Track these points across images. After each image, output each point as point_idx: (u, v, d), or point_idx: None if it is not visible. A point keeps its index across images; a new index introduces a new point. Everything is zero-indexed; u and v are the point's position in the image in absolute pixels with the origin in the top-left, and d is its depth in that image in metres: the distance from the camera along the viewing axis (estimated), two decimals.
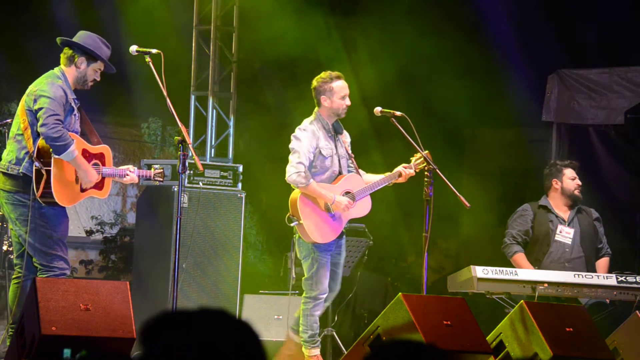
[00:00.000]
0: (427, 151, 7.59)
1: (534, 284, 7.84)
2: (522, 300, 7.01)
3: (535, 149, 11.50)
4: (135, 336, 6.10)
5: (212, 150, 11.04)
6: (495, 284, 7.77)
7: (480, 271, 7.70)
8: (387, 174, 7.69)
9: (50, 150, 6.75)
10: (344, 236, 7.78)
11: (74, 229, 12.63)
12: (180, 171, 6.72)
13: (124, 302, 6.22)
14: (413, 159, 7.63)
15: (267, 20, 11.21)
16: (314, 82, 7.60)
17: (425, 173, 7.34)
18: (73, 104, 6.93)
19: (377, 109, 7.63)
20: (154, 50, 6.86)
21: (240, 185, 9.49)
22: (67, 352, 5.32)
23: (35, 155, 6.77)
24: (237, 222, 9.32)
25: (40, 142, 6.76)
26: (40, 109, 6.73)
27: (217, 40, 10.98)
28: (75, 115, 6.96)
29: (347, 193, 7.57)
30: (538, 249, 8.67)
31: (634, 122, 10.15)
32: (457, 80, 11.38)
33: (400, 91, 10.92)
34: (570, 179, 8.76)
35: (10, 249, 8.90)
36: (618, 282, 8.05)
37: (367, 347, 6.62)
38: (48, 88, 6.81)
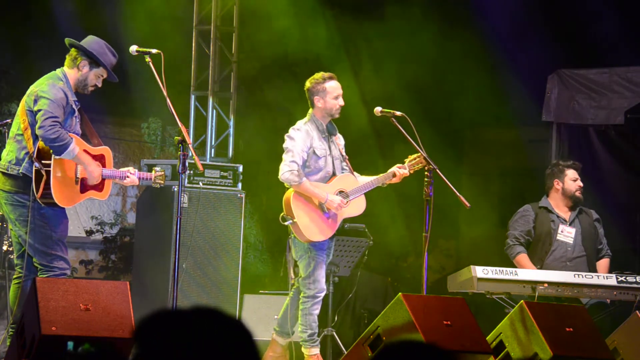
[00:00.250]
0: (419, 154, 7.65)
1: (534, 284, 7.84)
2: (522, 300, 7.01)
3: (535, 149, 11.49)
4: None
5: (212, 150, 11.04)
6: (495, 284, 7.78)
7: (480, 271, 7.70)
8: (382, 174, 7.72)
9: (51, 150, 6.75)
10: (334, 239, 7.83)
11: (74, 229, 12.63)
12: (180, 171, 6.72)
13: (124, 302, 6.22)
14: (407, 160, 7.69)
15: (267, 20, 11.21)
16: (307, 84, 7.67)
17: (426, 173, 7.34)
18: (74, 106, 6.94)
19: (377, 109, 7.64)
20: (154, 50, 6.86)
21: (240, 185, 9.49)
22: (70, 344, 5.33)
23: (35, 155, 6.77)
24: (237, 222, 9.32)
25: (41, 142, 6.77)
26: (39, 110, 6.74)
27: (217, 40, 10.99)
28: (76, 117, 6.96)
29: (340, 192, 7.62)
30: (540, 248, 8.68)
31: (634, 122, 10.15)
32: (457, 80, 11.38)
33: (400, 91, 10.92)
34: (572, 180, 8.76)
35: (10, 249, 8.90)
36: (618, 282, 8.05)
37: (367, 347, 6.62)
38: (49, 89, 6.81)
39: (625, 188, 10.37)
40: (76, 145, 6.78)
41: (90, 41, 7.05)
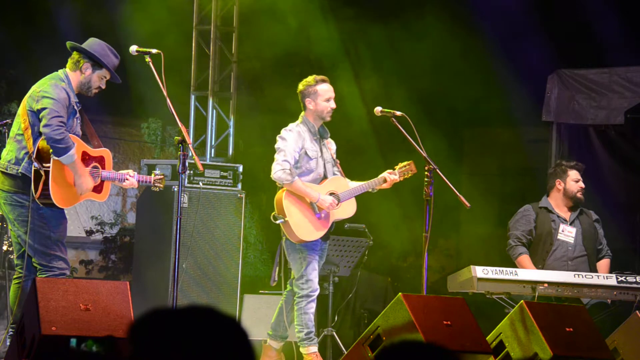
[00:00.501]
0: (411, 161, 7.74)
1: (534, 284, 7.84)
2: (522, 300, 7.01)
3: (535, 149, 11.49)
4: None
5: (212, 150, 11.05)
6: (495, 284, 7.78)
7: (480, 271, 7.71)
8: (373, 179, 7.78)
9: (50, 151, 6.75)
10: (328, 241, 7.85)
11: (74, 229, 12.63)
12: (180, 171, 6.72)
13: (124, 302, 6.21)
14: (398, 167, 7.77)
15: (267, 20, 11.21)
16: (300, 86, 7.72)
17: (426, 173, 7.35)
18: (75, 107, 6.94)
19: (377, 109, 7.64)
20: (154, 51, 6.86)
21: (240, 185, 9.49)
22: (73, 341, 5.33)
23: (34, 155, 6.77)
24: (237, 222, 9.33)
25: (41, 142, 6.76)
26: (43, 109, 6.73)
27: (217, 40, 10.99)
28: (77, 118, 6.96)
29: (331, 194, 7.67)
30: (541, 248, 8.68)
31: (634, 122, 10.15)
32: (457, 80, 11.38)
33: (400, 91, 10.92)
34: (574, 180, 8.76)
35: (10, 249, 8.91)
36: (618, 282, 8.05)
37: (367, 347, 6.62)
38: (51, 89, 6.81)
39: (625, 188, 10.37)
40: (75, 153, 6.78)
41: (92, 43, 7.05)
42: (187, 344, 2.43)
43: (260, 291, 9.69)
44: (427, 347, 2.63)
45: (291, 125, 7.68)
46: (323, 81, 7.71)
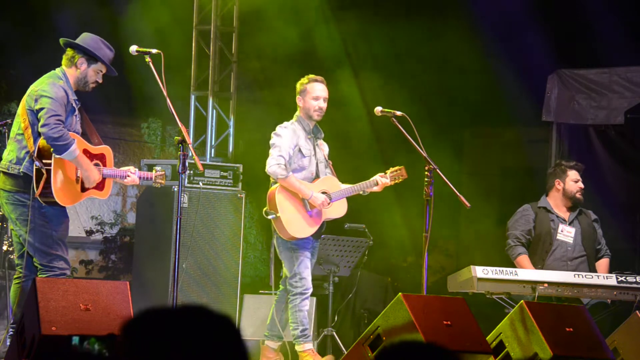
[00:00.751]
0: (402, 166, 7.79)
1: (534, 284, 7.84)
2: (522, 300, 7.01)
3: (535, 149, 11.49)
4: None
5: (212, 150, 11.05)
6: (495, 284, 7.78)
7: (480, 271, 7.71)
8: (365, 181, 7.82)
9: (51, 149, 6.75)
10: (319, 240, 7.88)
11: (74, 229, 12.62)
12: (180, 171, 6.72)
13: (124, 302, 6.21)
14: (389, 171, 7.82)
15: (267, 20, 11.21)
16: (296, 86, 7.76)
17: (426, 173, 7.35)
18: (74, 105, 6.94)
19: (378, 109, 7.65)
20: (154, 50, 6.86)
21: (240, 185, 9.49)
22: (75, 339, 5.33)
23: (35, 154, 6.77)
24: (237, 222, 9.32)
25: (41, 141, 6.76)
26: (41, 109, 6.74)
27: (217, 40, 10.99)
28: (76, 116, 6.96)
29: (323, 193, 7.70)
30: (541, 248, 8.68)
31: (634, 122, 10.15)
32: (457, 79, 11.37)
33: (400, 91, 10.92)
34: (573, 181, 8.75)
35: (11, 249, 8.90)
36: (618, 282, 8.05)
37: (367, 347, 6.62)
38: (49, 88, 6.81)
39: (625, 188, 10.37)
40: (77, 148, 6.78)
41: (85, 38, 7.05)
42: (180, 343, 2.43)
43: (260, 291, 9.69)
44: (427, 347, 2.63)
45: (286, 123, 7.76)
46: (315, 81, 7.78)
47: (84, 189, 6.96)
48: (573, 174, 8.76)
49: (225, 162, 10.29)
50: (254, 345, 8.77)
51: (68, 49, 7.04)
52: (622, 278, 8.07)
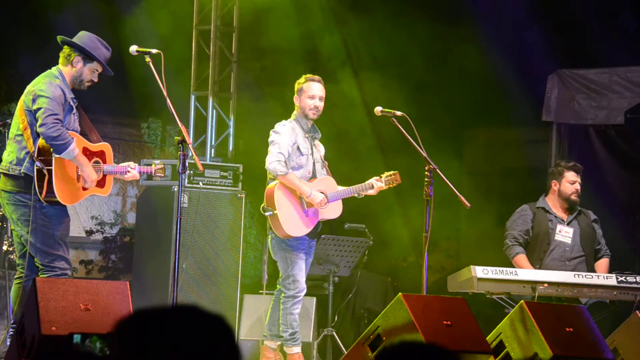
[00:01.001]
0: (397, 171, 7.80)
1: (534, 284, 7.84)
2: (522, 300, 7.01)
3: (535, 149, 11.49)
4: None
5: (212, 150, 11.05)
6: (495, 284, 7.78)
7: (480, 271, 7.70)
8: (360, 184, 7.83)
9: (51, 149, 6.75)
10: (316, 239, 7.89)
11: (74, 229, 12.62)
12: (180, 171, 6.72)
13: (124, 302, 6.21)
14: (384, 175, 7.84)
15: (267, 20, 11.21)
16: (294, 85, 7.79)
17: (426, 173, 7.35)
18: (72, 103, 6.93)
19: (378, 109, 7.65)
20: (154, 50, 6.85)
21: (240, 185, 9.49)
22: (77, 337, 5.33)
23: (36, 154, 6.77)
24: (237, 222, 9.32)
25: (41, 141, 6.76)
26: (39, 109, 6.74)
27: (217, 40, 10.99)
28: (74, 114, 6.96)
29: (320, 193, 7.72)
30: (539, 248, 8.68)
31: (634, 122, 10.14)
32: (457, 79, 11.38)
33: (400, 91, 10.92)
34: (569, 182, 8.74)
35: (11, 249, 8.90)
36: (618, 282, 8.05)
37: (367, 347, 6.62)
38: (46, 87, 6.81)
39: (625, 188, 10.37)
40: (76, 147, 6.78)
41: (82, 36, 7.05)
42: (172, 343, 2.43)
43: (260, 291, 9.69)
44: (427, 347, 2.63)
45: (284, 122, 7.79)
46: (312, 80, 7.80)
47: (85, 187, 6.96)
48: (570, 175, 8.74)
49: (225, 162, 10.29)
50: (254, 345, 8.77)
51: (65, 46, 7.03)
52: (622, 278, 8.07)
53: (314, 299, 8.92)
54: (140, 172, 7.19)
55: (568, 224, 8.76)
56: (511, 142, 12.15)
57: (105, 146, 7.10)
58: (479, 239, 11.40)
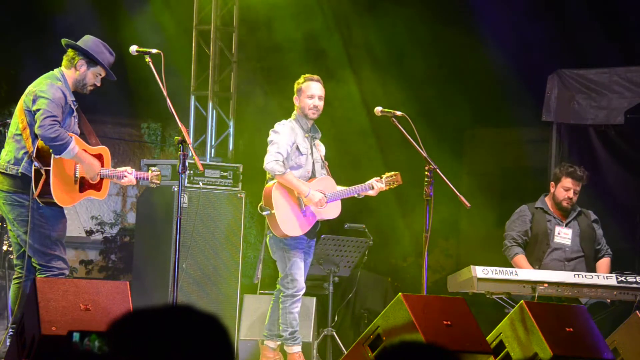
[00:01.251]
0: (398, 172, 7.79)
1: (534, 284, 7.84)
2: (522, 300, 7.01)
3: (535, 149, 11.49)
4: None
5: (212, 150, 11.05)
6: (495, 284, 7.77)
7: (480, 271, 7.70)
8: (360, 184, 7.82)
9: (50, 150, 6.75)
10: (315, 239, 7.89)
11: (74, 229, 12.63)
12: (180, 171, 6.72)
13: (124, 302, 6.21)
14: (385, 176, 7.83)
15: (267, 20, 11.21)
16: (294, 86, 7.79)
17: (426, 173, 7.36)
18: (72, 106, 6.94)
19: (378, 109, 7.65)
20: (154, 51, 6.85)
21: (240, 185, 9.48)
22: (76, 335, 5.32)
23: (34, 155, 6.77)
24: (237, 222, 9.32)
25: (40, 141, 6.76)
26: (38, 109, 6.74)
27: (217, 40, 10.99)
28: (74, 117, 6.96)
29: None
30: (538, 248, 8.67)
31: (634, 122, 10.14)
32: (457, 79, 11.38)
33: (400, 91, 10.92)
34: (564, 188, 8.71)
35: (11, 249, 8.90)
36: (618, 282, 8.05)
37: (367, 347, 6.62)
38: (47, 89, 6.81)
39: (625, 188, 10.36)
40: (76, 145, 6.78)
41: (87, 40, 7.06)
42: (165, 343, 2.43)
43: (260, 291, 9.69)
44: (427, 347, 2.63)
45: (284, 121, 7.79)
46: (311, 80, 7.80)
47: (82, 189, 6.96)
48: (566, 182, 8.71)
49: (225, 162, 10.29)
50: (254, 345, 8.77)
51: (69, 49, 7.04)
52: (622, 278, 8.07)
53: (314, 299, 8.92)
54: (137, 178, 7.19)
55: (567, 225, 8.76)
56: (511, 142, 12.15)
57: (103, 150, 7.10)
58: (479, 239, 11.40)
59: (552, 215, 8.75)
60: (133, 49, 6.87)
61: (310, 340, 8.77)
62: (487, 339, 6.80)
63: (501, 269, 7.80)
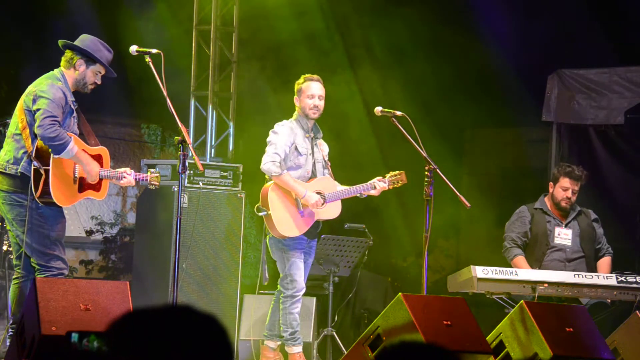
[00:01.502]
0: (402, 171, 7.78)
1: (534, 284, 7.84)
2: (522, 300, 7.01)
3: (535, 149, 11.49)
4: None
5: (212, 150, 11.05)
6: (495, 284, 7.77)
7: (480, 271, 7.70)
8: (362, 184, 7.81)
9: (50, 150, 6.75)
10: (316, 239, 7.89)
11: (74, 229, 12.63)
12: (180, 171, 6.72)
13: (124, 302, 6.21)
14: (388, 175, 7.82)
15: (267, 20, 11.21)
16: (294, 86, 7.80)
17: (426, 173, 7.36)
18: (72, 106, 6.94)
19: (378, 109, 7.65)
20: (154, 50, 6.85)
21: (240, 185, 9.48)
22: (75, 336, 5.32)
23: (34, 154, 6.76)
24: (237, 222, 9.32)
25: (40, 141, 6.76)
26: (38, 109, 6.74)
27: (217, 40, 10.99)
28: (74, 117, 6.96)
29: (318, 193, 7.70)
30: (537, 249, 8.67)
31: (634, 122, 10.14)
32: (457, 79, 11.37)
33: (400, 91, 10.92)
34: (562, 188, 8.71)
35: (11, 249, 8.90)
36: (618, 282, 8.05)
37: (367, 347, 6.62)
38: (48, 89, 6.81)
39: (625, 188, 10.36)
40: (75, 145, 6.78)
41: (84, 39, 7.06)
42: (164, 343, 2.43)
43: (260, 291, 9.69)
44: (427, 347, 2.63)
45: (284, 121, 7.80)
46: (311, 79, 7.81)
47: (81, 190, 6.96)
48: (564, 182, 8.71)
49: (225, 162, 10.29)
50: (254, 345, 8.77)
51: (67, 50, 7.04)
52: (622, 278, 8.07)
53: (314, 299, 8.92)
54: (136, 179, 7.19)
55: (567, 225, 8.76)
56: (511, 142, 12.15)
57: (102, 150, 7.10)
58: (479, 239, 11.40)
59: (552, 216, 8.75)
60: (133, 49, 6.87)
61: (310, 340, 8.77)
62: (487, 339, 6.80)
63: (501, 269, 7.80)
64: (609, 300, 8.40)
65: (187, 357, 2.43)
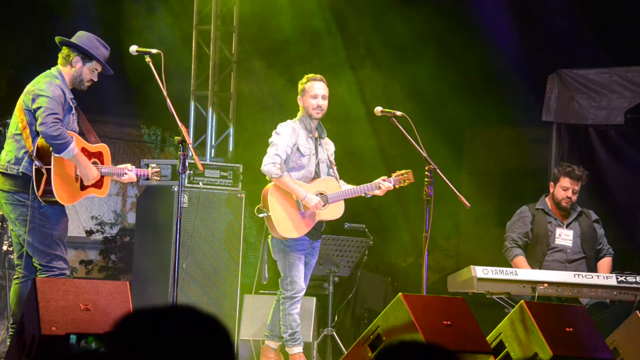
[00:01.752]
0: (409, 170, 7.77)
1: (534, 284, 7.84)
2: (522, 300, 7.01)
3: (535, 149, 11.49)
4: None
5: (212, 150, 11.05)
6: (495, 284, 7.77)
7: (480, 271, 7.70)
8: (366, 184, 7.80)
9: (50, 149, 6.74)
10: (319, 240, 7.88)
11: (74, 229, 12.63)
12: (180, 171, 6.72)
13: (124, 302, 6.21)
14: (394, 174, 7.80)
15: (267, 20, 11.20)
16: (298, 86, 7.80)
17: (426, 173, 7.35)
18: (71, 103, 6.93)
19: (378, 109, 7.65)
20: (154, 50, 6.85)
21: (240, 185, 9.48)
22: (73, 337, 5.33)
23: (35, 154, 6.76)
24: (237, 222, 9.32)
25: (40, 141, 6.76)
26: (38, 108, 6.73)
27: (217, 40, 10.98)
28: (73, 114, 6.96)
29: (320, 194, 7.71)
30: (538, 250, 8.67)
31: (634, 122, 10.15)
32: (458, 79, 11.37)
33: (400, 91, 10.92)
34: (562, 188, 8.71)
35: (11, 249, 8.90)
36: (618, 282, 8.05)
37: (367, 347, 6.62)
38: (46, 87, 6.81)
39: (625, 188, 10.36)
40: (76, 146, 6.78)
41: (81, 36, 7.05)
42: (166, 343, 2.43)
43: (260, 291, 9.69)
44: (427, 347, 2.63)
45: (288, 122, 7.79)
46: (314, 79, 7.80)
47: (83, 188, 6.96)
48: (564, 181, 8.71)
49: (225, 162, 10.28)
50: (254, 345, 8.77)
51: (63, 47, 7.03)
52: (622, 278, 8.07)
53: (314, 299, 8.92)
54: (137, 175, 7.19)
55: (568, 226, 8.75)
56: (511, 142, 12.16)
57: (103, 147, 7.10)
58: (479, 239, 11.40)
59: (553, 217, 8.74)
60: (133, 49, 6.87)
61: (311, 340, 8.77)
62: (487, 339, 6.80)
63: (501, 269, 7.80)
64: (609, 300, 8.40)
65: (190, 358, 2.43)
